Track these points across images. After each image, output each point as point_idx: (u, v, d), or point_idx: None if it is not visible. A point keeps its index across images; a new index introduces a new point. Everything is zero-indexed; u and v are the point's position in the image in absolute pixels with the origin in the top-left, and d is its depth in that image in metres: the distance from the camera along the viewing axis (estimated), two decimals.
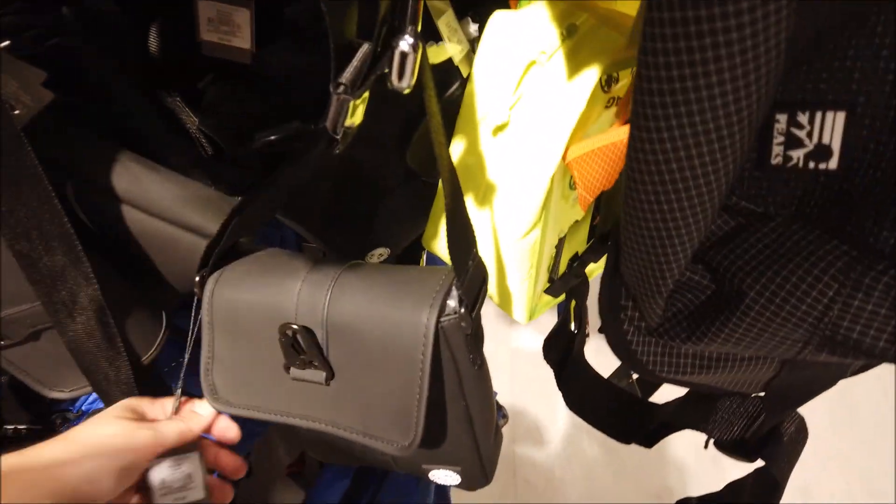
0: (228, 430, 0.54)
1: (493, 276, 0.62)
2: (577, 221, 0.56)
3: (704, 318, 0.34)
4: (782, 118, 0.28)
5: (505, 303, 0.66)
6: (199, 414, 0.52)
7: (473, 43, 0.57)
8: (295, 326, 0.47)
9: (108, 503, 0.46)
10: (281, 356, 0.50)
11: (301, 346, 0.48)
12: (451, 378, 0.49)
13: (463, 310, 0.46)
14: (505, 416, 1.10)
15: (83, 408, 0.84)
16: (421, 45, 0.34)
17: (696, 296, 0.35)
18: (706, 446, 0.67)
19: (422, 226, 0.68)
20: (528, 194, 0.56)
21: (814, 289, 0.29)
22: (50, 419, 0.82)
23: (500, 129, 0.55)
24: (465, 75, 0.56)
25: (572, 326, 0.61)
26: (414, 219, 0.70)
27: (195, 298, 0.53)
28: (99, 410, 0.83)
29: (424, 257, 0.82)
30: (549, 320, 0.68)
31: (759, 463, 0.55)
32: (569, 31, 0.51)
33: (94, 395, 0.85)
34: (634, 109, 0.27)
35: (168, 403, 0.52)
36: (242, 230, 0.52)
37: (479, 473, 0.59)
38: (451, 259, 0.46)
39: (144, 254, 0.53)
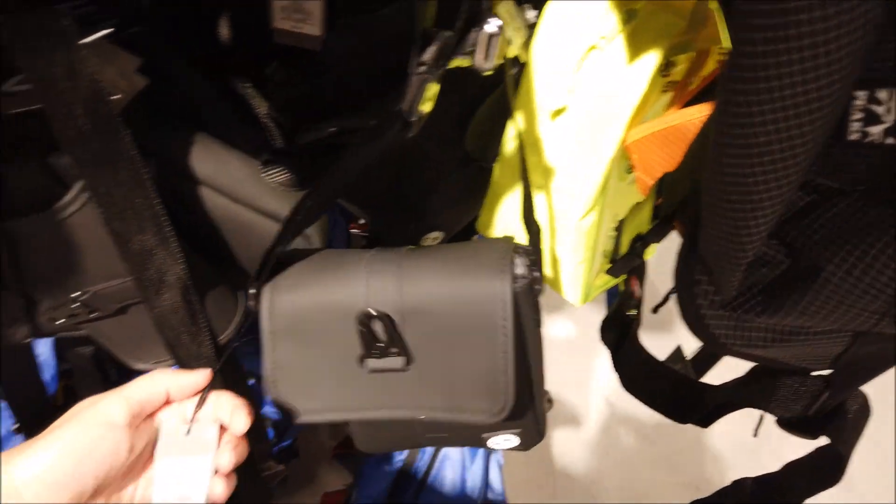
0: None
1: (548, 259, 0.64)
2: (638, 203, 0.57)
3: (780, 291, 0.35)
4: (861, 95, 0.29)
5: (558, 284, 0.68)
6: (176, 373, 0.48)
7: (531, 29, 0.58)
8: (374, 313, 0.48)
9: None
10: (351, 351, 0.50)
11: (377, 335, 0.49)
12: (518, 341, 0.51)
13: (535, 272, 0.48)
14: (550, 401, 1.11)
15: None
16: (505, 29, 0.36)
17: (770, 270, 0.36)
18: (755, 433, 0.68)
19: (475, 210, 0.70)
20: (586, 178, 0.57)
21: (892, 260, 0.30)
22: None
23: (558, 113, 0.56)
24: (522, 61, 0.58)
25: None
26: (468, 203, 0.71)
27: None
28: None
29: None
30: (585, 308, 0.69)
31: (811, 445, 0.55)
32: (628, 16, 0.53)
33: None
34: (726, 85, 0.28)
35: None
36: (310, 217, 0.54)
37: (535, 432, 0.61)
38: (525, 222, 0.48)
39: (221, 236, 0.56)
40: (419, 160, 0.66)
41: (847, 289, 0.32)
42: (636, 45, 0.52)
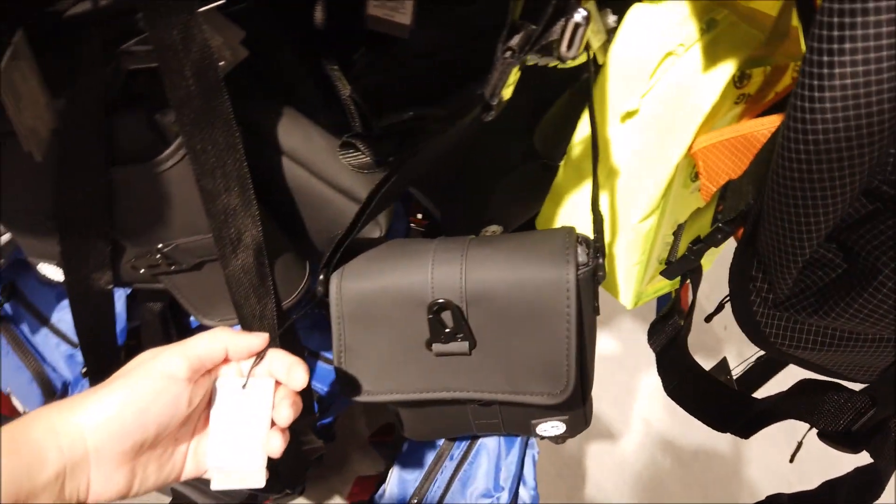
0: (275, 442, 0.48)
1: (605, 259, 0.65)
2: (699, 209, 0.58)
3: (834, 293, 0.36)
4: None
5: (612, 285, 0.69)
6: (236, 332, 0.47)
7: (610, 34, 0.60)
8: (441, 301, 0.50)
9: None
10: (417, 335, 0.53)
11: (446, 321, 0.51)
12: (579, 327, 0.53)
13: (600, 260, 0.50)
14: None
15: None
16: (592, 21, 0.38)
17: (826, 273, 0.37)
18: (792, 459, 0.68)
19: (535, 207, 0.72)
20: (650, 180, 0.58)
21: None
22: None
23: (629, 115, 0.58)
24: (599, 63, 0.59)
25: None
26: (529, 199, 0.73)
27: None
28: None
29: None
30: (630, 324, 0.70)
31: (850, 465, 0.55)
32: (708, 26, 0.54)
33: None
34: (799, 85, 0.30)
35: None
36: (385, 200, 0.56)
37: (581, 419, 0.63)
38: (593, 211, 0.51)
39: (295, 207, 0.59)
40: (487, 152, 0.68)
41: None
42: (713, 55, 0.54)
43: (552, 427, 0.63)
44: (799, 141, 0.31)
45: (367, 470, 1.54)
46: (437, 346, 0.53)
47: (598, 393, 1.82)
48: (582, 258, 0.50)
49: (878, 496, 0.49)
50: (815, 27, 0.28)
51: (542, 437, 0.65)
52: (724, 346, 1.82)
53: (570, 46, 0.39)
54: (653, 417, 1.78)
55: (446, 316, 0.51)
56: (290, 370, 0.47)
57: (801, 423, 0.59)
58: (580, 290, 0.50)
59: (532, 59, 0.42)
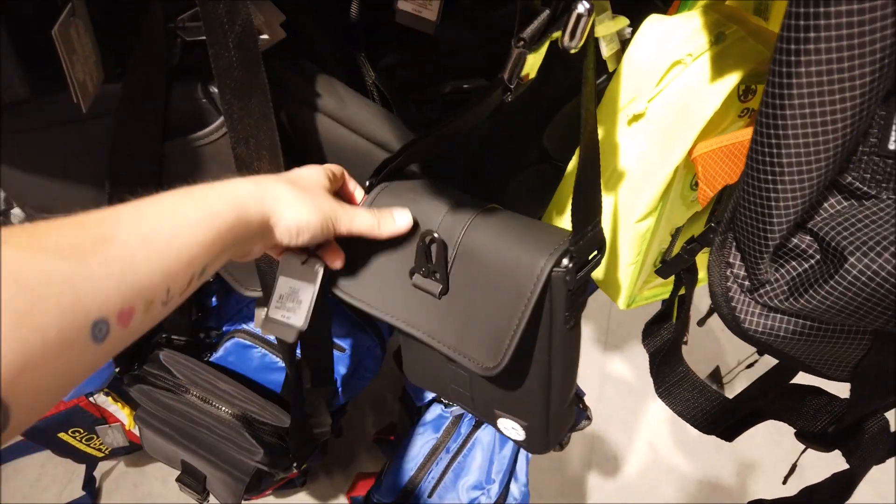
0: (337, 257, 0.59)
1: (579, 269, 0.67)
2: (696, 213, 0.61)
3: (805, 281, 0.39)
4: None
5: (607, 284, 0.71)
6: (395, 222, 0.57)
7: (624, 44, 0.63)
8: (435, 235, 0.55)
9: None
10: (407, 264, 0.58)
11: (432, 256, 0.56)
12: (544, 330, 0.55)
13: (571, 265, 0.51)
14: (588, 419, 1.13)
15: (225, 329, 0.97)
16: (593, 13, 0.41)
17: (800, 263, 0.40)
18: (785, 481, 0.69)
19: (543, 207, 0.75)
20: (650, 182, 0.61)
21: None
22: (199, 336, 0.94)
23: (636, 118, 0.61)
24: (611, 70, 0.63)
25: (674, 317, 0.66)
26: (538, 198, 0.77)
27: None
28: (239, 332, 0.94)
29: None
30: (642, 349, 0.72)
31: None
32: (717, 38, 0.57)
33: (235, 321, 0.97)
34: (769, 79, 0.33)
35: (337, 167, 0.59)
36: (414, 156, 0.61)
37: (541, 435, 0.64)
38: (573, 219, 0.52)
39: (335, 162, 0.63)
40: (502, 150, 0.72)
41: (866, 280, 0.35)
42: (719, 66, 0.57)
43: (512, 428, 0.65)
44: (770, 126, 0.34)
45: (371, 468, 1.56)
46: (416, 277, 0.57)
47: (606, 414, 1.83)
48: (566, 261, 0.52)
49: (849, 496, 0.51)
50: (785, 18, 0.31)
51: (503, 434, 0.67)
52: (725, 349, 1.82)
53: (572, 36, 0.42)
54: (659, 444, 1.78)
55: (434, 251, 0.55)
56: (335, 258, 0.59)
57: (805, 452, 0.60)
58: (550, 286, 0.52)
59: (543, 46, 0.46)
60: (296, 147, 0.55)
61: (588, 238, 0.54)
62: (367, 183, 0.59)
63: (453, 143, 0.56)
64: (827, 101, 0.32)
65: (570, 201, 0.67)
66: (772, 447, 1.69)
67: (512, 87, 0.48)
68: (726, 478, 1.71)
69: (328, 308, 0.76)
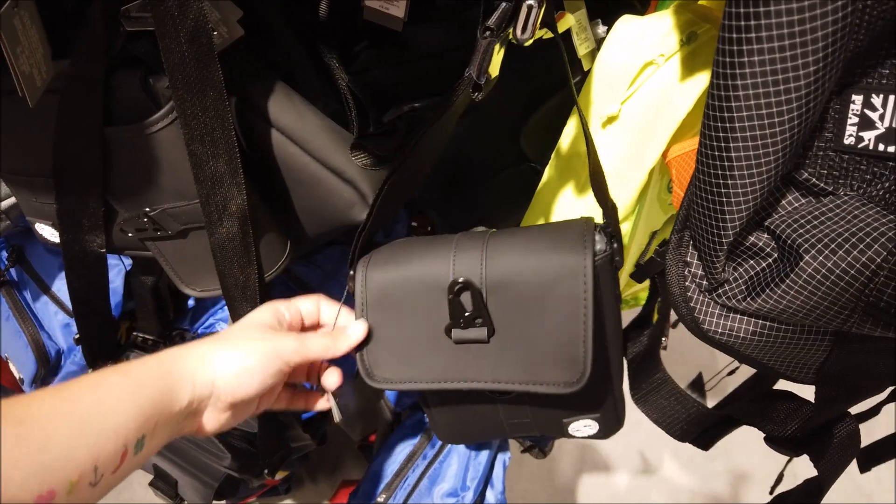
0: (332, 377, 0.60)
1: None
2: (671, 216, 0.59)
3: (763, 279, 0.37)
4: (858, 100, 0.32)
5: None
6: (349, 335, 0.55)
7: (599, 43, 0.62)
8: (461, 280, 0.51)
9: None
10: (439, 323, 0.53)
11: (465, 305, 0.52)
12: (599, 318, 0.53)
13: (615, 245, 0.51)
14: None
15: (199, 331, 0.95)
16: (545, 5, 0.40)
17: (757, 262, 0.38)
18: (772, 491, 0.68)
19: (521, 210, 0.74)
20: (624, 184, 0.60)
21: (863, 253, 0.32)
22: (171, 334, 0.93)
23: (610, 120, 0.60)
24: (586, 69, 0.62)
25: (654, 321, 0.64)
26: (515, 202, 0.75)
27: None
28: (212, 334, 0.93)
29: None
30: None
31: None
32: (689, 38, 0.56)
33: (208, 322, 0.95)
34: (714, 70, 0.32)
35: (302, 303, 0.59)
36: (388, 208, 0.57)
37: (614, 418, 0.62)
38: (598, 200, 0.52)
39: (283, 182, 0.61)
40: (479, 153, 0.70)
41: (821, 277, 0.34)
42: (690, 66, 0.56)
43: (585, 426, 0.62)
44: (718, 119, 0.33)
45: (356, 475, 1.54)
46: (456, 333, 0.53)
47: None
48: (600, 245, 0.51)
49: (819, 502, 0.49)
50: (725, 17, 0.30)
51: (575, 437, 0.65)
52: (716, 355, 1.80)
53: (523, 29, 0.41)
54: (651, 455, 1.76)
55: (466, 299, 0.52)
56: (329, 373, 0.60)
57: (793, 466, 0.59)
58: (598, 277, 0.51)
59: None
60: (248, 158, 0.53)
61: (610, 208, 0.53)
62: (351, 272, 0.56)
63: (433, 165, 0.54)
64: (772, 92, 0.31)
65: (556, 198, 0.67)
66: (766, 458, 1.66)
67: (482, 83, 0.46)
68: (719, 488, 1.69)
69: None
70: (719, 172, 0.35)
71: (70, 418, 0.37)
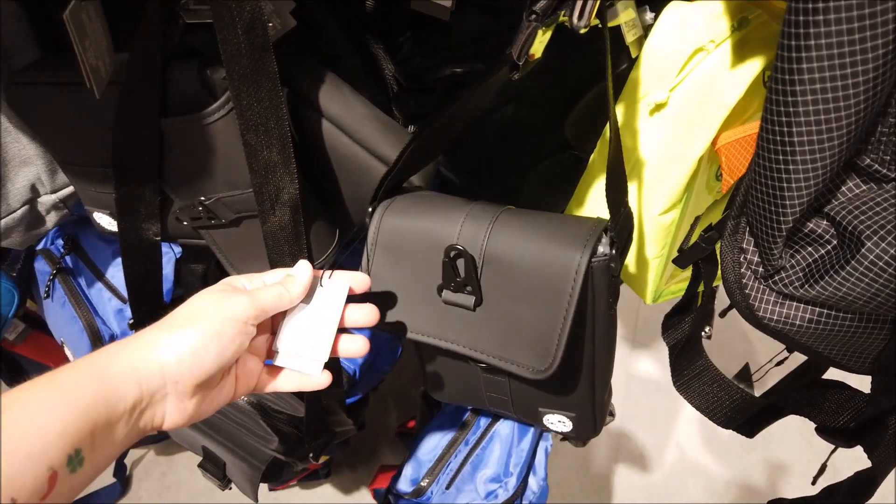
0: (355, 345, 0.53)
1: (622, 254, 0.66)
2: (715, 201, 0.59)
3: (821, 266, 0.37)
4: None
5: (633, 279, 0.70)
6: (296, 278, 0.51)
7: (647, 30, 0.62)
8: (460, 248, 0.53)
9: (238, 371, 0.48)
10: (434, 280, 0.56)
11: (459, 270, 0.54)
12: (588, 320, 0.54)
13: (613, 251, 0.51)
14: (612, 414, 1.12)
15: None
16: None
17: (816, 249, 0.38)
18: (814, 482, 0.67)
19: (562, 199, 0.74)
20: (672, 173, 0.60)
21: None
22: None
23: (658, 108, 0.59)
24: (633, 56, 0.61)
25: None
26: (558, 190, 0.75)
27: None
28: None
29: None
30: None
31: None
32: (740, 24, 0.55)
33: None
34: (778, 54, 0.32)
35: (270, 276, 0.52)
36: (415, 162, 0.59)
37: (589, 424, 0.63)
38: (608, 201, 0.51)
39: (333, 171, 0.63)
40: (521, 137, 0.71)
41: (883, 265, 0.34)
42: (742, 52, 0.55)
43: (559, 421, 0.64)
44: (781, 103, 0.32)
45: (393, 461, 1.56)
46: (446, 293, 0.56)
47: (633, 414, 1.81)
48: (604, 249, 0.52)
49: (871, 495, 0.49)
50: None
51: (550, 430, 0.66)
52: (756, 348, 1.77)
53: (580, 16, 0.41)
54: (687, 444, 1.75)
55: (460, 264, 0.54)
56: (356, 277, 0.54)
57: (832, 459, 0.58)
58: (591, 278, 0.51)
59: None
60: (299, 148, 0.55)
61: (623, 218, 0.53)
62: (370, 209, 0.58)
63: (462, 131, 0.55)
64: (838, 75, 0.31)
65: (593, 189, 0.67)
66: (804, 450, 1.65)
67: (520, 63, 0.46)
68: (756, 479, 1.67)
69: None
70: (780, 157, 0.35)
71: None
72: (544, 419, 0.66)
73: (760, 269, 0.41)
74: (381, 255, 0.58)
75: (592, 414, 0.63)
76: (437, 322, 0.57)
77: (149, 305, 0.75)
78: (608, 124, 0.63)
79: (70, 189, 0.75)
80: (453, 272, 0.54)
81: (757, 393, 0.64)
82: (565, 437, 1.04)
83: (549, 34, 0.47)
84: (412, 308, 0.58)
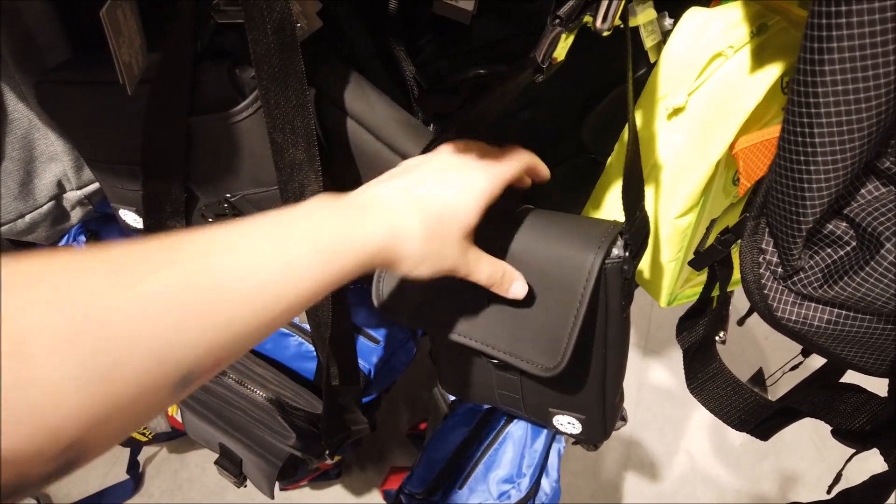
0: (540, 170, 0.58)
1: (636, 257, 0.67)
2: (732, 204, 0.59)
3: (840, 268, 0.38)
4: None
5: (647, 282, 0.70)
6: (512, 289, 0.53)
7: (666, 35, 0.62)
8: None
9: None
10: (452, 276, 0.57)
11: None
12: (600, 322, 0.55)
13: (627, 254, 0.51)
14: (624, 419, 1.12)
15: None
16: None
17: (835, 250, 0.39)
18: (829, 490, 0.67)
19: (579, 202, 0.74)
20: (689, 177, 0.60)
21: None
22: None
23: (676, 112, 0.60)
24: (652, 61, 0.62)
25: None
26: (574, 193, 0.76)
27: None
28: None
29: None
30: (681, 355, 0.70)
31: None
32: (759, 30, 0.56)
33: None
34: (801, 56, 0.32)
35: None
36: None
37: (599, 427, 0.64)
38: (623, 204, 0.52)
39: (357, 169, 0.64)
40: (538, 140, 0.71)
41: None
42: (761, 58, 0.56)
43: (568, 423, 0.65)
44: (803, 104, 0.33)
45: (404, 462, 1.57)
46: (461, 286, 0.56)
47: (643, 419, 1.80)
48: (618, 251, 0.52)
49: (887, 498, 0.49)
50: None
51: (560, 432, 0.67)
52: (768, 357, 1.77)
53: (603, 19, 0.42)
54: (698, 453, 1.74)
55: None
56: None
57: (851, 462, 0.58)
58: (604, 279, 0.52)
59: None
60: (322, 145, 0.56)
61: (638, 222, 0.54)
62: None
63: (485, 131, 0.56)
64: (860, 77, 0.31)
65: (610, 193, 0.68)
66: (816, 460, 1.64)
67: (544, 67, 0.48)
68: (767, 488, 1.66)
69: (348, 310, 0.77)
70: (801, 158, 0.36)
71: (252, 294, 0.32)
72: (554, 420, 0.66)
73: (780, 269, 0.42)
74: None
75: (602, 417, 0.64)
76: (451, 315, 0.58)
77: None
78: (626, 127, 0.64)
79: (95, 185, 0.77)
80: None
81: (770, 398, 0.65)
82: (576, 440, 1.05)
83: (571, 38, 0.48)
84: (428, 301, 0.59)
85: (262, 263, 0.33)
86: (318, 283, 0.36)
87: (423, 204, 0.45)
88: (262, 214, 0.37)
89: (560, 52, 0.48)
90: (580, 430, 0.66)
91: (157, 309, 0.28)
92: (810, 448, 1.64)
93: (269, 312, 0.33)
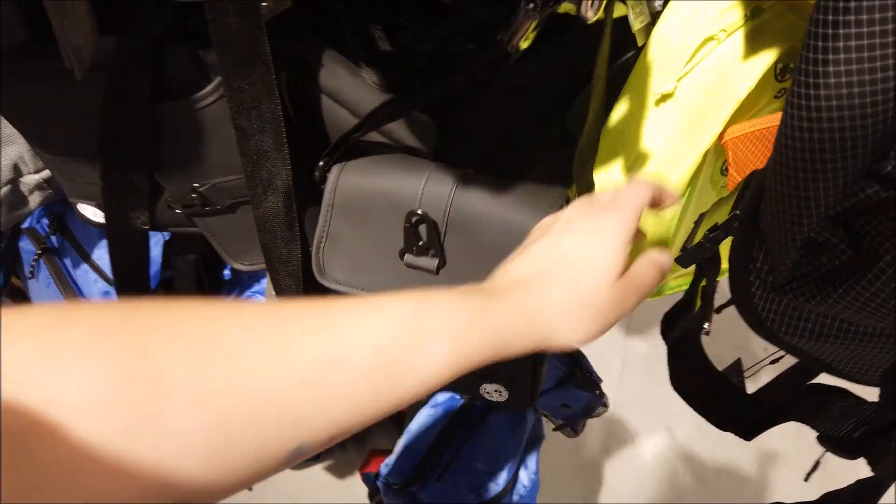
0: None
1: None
2: (721, 199, 0.57)
3: (835, 279, 0.36)
4: None
5: None
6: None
7: (655, 17, 0.60)
8: (420, 213, 0.52)
9: None
10: (396, 242, 0.55)
11: (421, 234, 0.53)
12: None
13: None
14: (605, 406, 1.11)
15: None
16: None
17: (830, 259, 0.37)
18: (807, 479, 0.66)
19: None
20: (676, 165, 0.58)
21: None
22: None
23: (664, 98, 0.57)
24: (640, 44, 0.59)
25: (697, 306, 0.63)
26: (563, 183, 0.73)
27: None
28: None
29: None
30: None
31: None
32: (753, 13, 0.53)
33: (245, 295, 0.96)
34: (803, 54, 0.30)
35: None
36: (380, 122, 0.57)
37: (528, 396, 0.64)
38: (575, 172, 0.52)
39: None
40: (524, 128, 0.69)
41: None
42: (754, 43, 0.53)
43: (496, 391, 0.64)
44: (803, 113, 0.31)
45: (385, 445, 1.56)
46: (408, 257, 0.55)
47: (625, 398, 1.81)
48: None
49: (876, 501, 0.48)
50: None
51: (486, 400, 0.66)
52: (751, 337, 1.78)
53: (591, 5, 0.40)
54: (679, 431, 1.76)
55: (422, 230, 0.53)
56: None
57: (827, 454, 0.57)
58: None
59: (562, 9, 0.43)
60: (294, 124, 0.53)
61: (585, 186, 0.54)
62: (321, 163, 0.56)
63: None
64: (867, 81, 0.29)
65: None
66: (797, 439, 1.65)
67: (512, 52, 0.45)
68: (747, 468, 1.68)
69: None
70: (800, 163, 0.33)
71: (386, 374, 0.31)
72: (481, 389, 0.65)
73: (770, 277, 0.40)
74: (339, 218, 0.57)
75: (532, 388, 0.63)
76: (398, 285, 0.57)
77: (135, 292, 0.74)
78: (617, 110, 0.61)
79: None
80: (415, 237, 0.54)
81: (749, 389, 0.64)
82: (557, 427, 1.04)
83: (534, 33, 0.46)
84: (373, 270, 0.58)
85: (393, 347, 0.32)
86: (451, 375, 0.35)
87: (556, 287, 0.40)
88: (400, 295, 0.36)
89: (524, 43, 0.45)
90: (506, 397, 0.65)
91: (291, 380, 0.28)
92: (791, 428, 1.66)
93: (393, 395, 0.32)
